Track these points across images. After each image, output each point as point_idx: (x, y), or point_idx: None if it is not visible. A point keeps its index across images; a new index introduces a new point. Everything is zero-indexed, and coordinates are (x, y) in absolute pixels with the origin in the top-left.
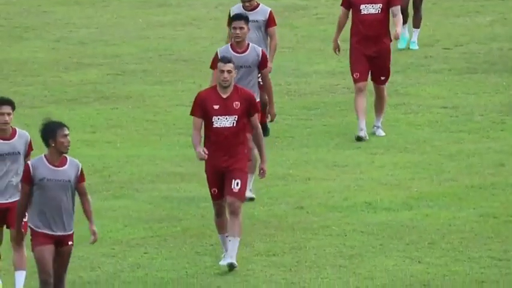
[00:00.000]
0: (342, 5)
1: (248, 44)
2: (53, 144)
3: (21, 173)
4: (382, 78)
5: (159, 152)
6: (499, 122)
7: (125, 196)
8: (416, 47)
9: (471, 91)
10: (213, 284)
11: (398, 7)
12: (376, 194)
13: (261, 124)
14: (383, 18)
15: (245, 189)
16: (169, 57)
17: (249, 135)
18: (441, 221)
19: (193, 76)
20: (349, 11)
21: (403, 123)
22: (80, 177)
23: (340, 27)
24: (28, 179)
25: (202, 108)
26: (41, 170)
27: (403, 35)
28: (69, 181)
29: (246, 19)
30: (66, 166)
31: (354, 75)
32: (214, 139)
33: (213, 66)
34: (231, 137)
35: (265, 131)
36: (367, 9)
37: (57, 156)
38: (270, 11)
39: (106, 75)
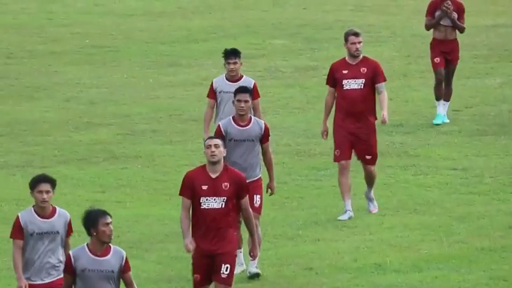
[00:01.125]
0: (327, 83)
1: (250, 117)
2: (95, 234)
3: (59, 254)
4: (368, 157)
5: (169, 212)
6: (509, 184)
7: (134, 256)
8: (447, 120)
9: (481, 153)
10: None
11: (383, 84)
12: (385, 256)
13: None
14: (367, 94)
15: (233, 273)
16: (179, 117)
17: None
18: (451, 283)
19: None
20: (335, 88)
21: (412, 184)
22: (125, 267)
23: (328, 108)
24: (70, 269)
25: (190, 188)
26: (82, 261)
27: (440, 114)
28: (113, 271)
29: (250, 92)
30: (109, 255)
31: (335, 152)
32: (202, 220)
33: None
34: (219, 219)
35: None
36: (350, 84)
37: (100, 245)
38: (254, 83)
39: (116, 135)
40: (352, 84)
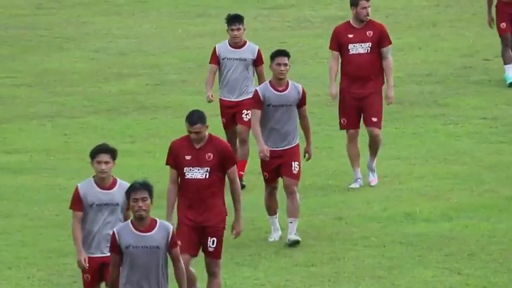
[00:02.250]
0: (330, 48)
1: (288, 82)
2: (129, 208)
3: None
4: (374, 119)
5: None
6: None
7: (163, 206)
8: None
9: (511, 102)
10: None
11: (389, 48)
12: (415, 205)
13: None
14: (373, 58)
15: (221, 246)
16: (208, 68)
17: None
18: (481, 232)
19: None
20: (338, 52)
21: (442, 134)
22: (171, 243)
23: (333, 73)
24: (115, 247)
25: (175, 157)
26: (126, 237)
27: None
28: (158, 247)
29: (289, 56)
30: (154, 231)
31: (341, 121)
32: (187, 191)
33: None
34: (203, 190)
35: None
36: (356, 48)
37: (137, 220)
38: (258, 49)
39: (145, 85)
40: (359, 48)
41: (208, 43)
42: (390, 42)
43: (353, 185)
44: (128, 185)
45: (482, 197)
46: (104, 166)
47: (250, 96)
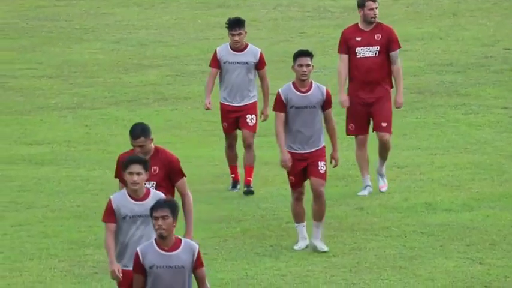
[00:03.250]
0: (339, 51)
1: (311, 83)
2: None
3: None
4: (384, 124)
5: (219, 152)
6: None
7: (196, 190)
8: None
9: None
10: (273, 285)
11: (398, 52)
12: (436, 195)
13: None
14: (381, 62)
15: None
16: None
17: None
18: (502, 222)
19: None
20: (347, 56)
21: (463, 123)
22: (197, 263)
23: (343, 78)
24: (139, 268)
25: (121, 171)
26: (150, 257)
27: None
28: (183, 267)
29: (312, 56)
30: (179, 250)
31: (349, 127)
32: None
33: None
34: None
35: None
36: (363, 52)
37: (162, 238)
38: (261, 52)
39: (166, 76)
40: (366, 52)
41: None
42: (399, 46)
43: (362, 193)
44: (162, 195)
45: (504, 186)
46: (136, 177)
47: (254, 100)
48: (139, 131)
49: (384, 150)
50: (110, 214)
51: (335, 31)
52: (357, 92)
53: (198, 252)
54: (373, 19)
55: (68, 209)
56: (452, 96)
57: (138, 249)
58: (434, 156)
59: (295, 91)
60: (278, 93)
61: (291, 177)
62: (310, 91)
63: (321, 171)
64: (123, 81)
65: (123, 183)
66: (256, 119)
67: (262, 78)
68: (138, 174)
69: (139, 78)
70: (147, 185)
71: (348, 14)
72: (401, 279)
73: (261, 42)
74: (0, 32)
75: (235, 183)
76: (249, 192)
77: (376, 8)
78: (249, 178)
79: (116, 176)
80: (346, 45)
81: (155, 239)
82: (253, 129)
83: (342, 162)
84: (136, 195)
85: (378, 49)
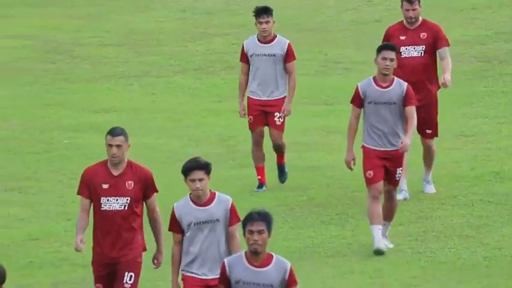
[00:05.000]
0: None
1: (393, 78)
2: None
3: (222, 245)
4: (428, 131)
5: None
6: None
7: (250, 165)
8: None
9: None
10: (339, 253)
11: (446, 49)
12: (503, 164)
13: (280, 166)
14: (428, 62)
15: (137, 282)
16: (295, 27)
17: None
18: None
19: (319, 45)
20: None
21: None
22: (289, 281)
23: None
24: (224, 280)
25: (89, 187)
26: (237, 270)
27: None
28: (272, 286)
29: (396, 51)
30: (270, 266)
31: None
32: (102, 224)
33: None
34: (121, 221)
35: (283, 174)
36: (408, 51)
37: (254, 255)
38: (289, 44)
39: (232, 44)
40: (412, 51)
41: (295, 2)
42: (448, 44)
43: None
44: (227, 197)
45: None
46: (198, 184)
47: (283, 96)
48: (119, 130)
49: (428, 157)
50: (175, 224)
51: None
52: None
53: (291, 270)
54: (409, 20)
55: None
56: None
57: (225, 260)
58: (501, 125)
59: (375, 86)
60: (356, 87)
61: (368, 171)
62: (391, 86)
63: (397, 179)
64: (189, 50)
65: (88, 198)
66: (284, 117)
67: (289, 72)
68: (201, 180)
69: (206, 47)
70: (119, 201)
71: None
72: (468, 248)
73: (328, 11)
74: (68, 1)
75: (261, 185)
76: (282, 173)
77: (413, 9)
78: (282, 161)
79: (78, 193)
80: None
81: (245, 252)
82: (281, 128)
83: None
84: (200, 201)
85: (424, 48)
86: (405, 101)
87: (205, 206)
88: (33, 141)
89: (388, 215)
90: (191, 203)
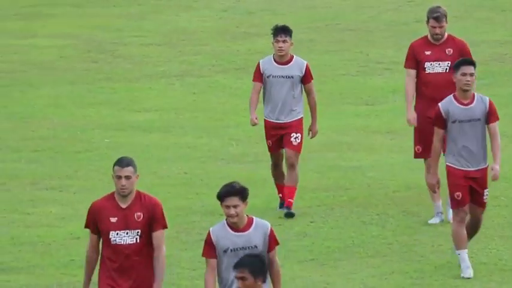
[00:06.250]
0: (406, 66)
1: (474, 94)
2: None
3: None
4: None
5: (326, 121)
6: None
7: None
8: None
9: None
10: (380, 253)
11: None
12: None
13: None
14: (452, 79)
15: None
16: (336, 27)
17: None
18: None
19: (360, 45)
20: (416, 71)
21: None
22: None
23: (410, 95)
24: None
25: (95, 221)
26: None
27: None
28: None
29: (475, 65)
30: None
31: (416, 149)
32: (113, 259)
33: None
34: (133, 256)
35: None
36: (433, 67)
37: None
38: (307, 64)
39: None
40: (436, 67)
41: (336, 2)
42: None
43: (432, 220)
44: (265, 223)
45: None
46: (232, 211)
47: (300, 117)
48: (128, 160)
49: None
50: (210, 248)
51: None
52: (425, 110)
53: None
54: (435, 36)
55: (175, 176)
56: None
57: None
58: None
59: (457, 103)
60: (438, 107)
61: (456, 193)
62: (473, 103)
63: (485, 200)
64: (230, 49)
65: (96, 234)
66: (302, 138)
67: (308, 93)
68: (235, 207)
69: (247, 47)
70: (129, 235)
71: None
72: (509, 249)
73: (369, 11)
74: (110, 1)
75: (282, 204)
76: (289, 214)
77: (440, 27)
78: (290, 200)
79: (86, 226)
80: (415, 59)
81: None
82: (297, 148)
83: None
84: (237, 226)
85: (449, 64)
86: (489, 116)
87: (243, 231)
88: (74, 140)
89: (472, 234)
90: (228, 228)
